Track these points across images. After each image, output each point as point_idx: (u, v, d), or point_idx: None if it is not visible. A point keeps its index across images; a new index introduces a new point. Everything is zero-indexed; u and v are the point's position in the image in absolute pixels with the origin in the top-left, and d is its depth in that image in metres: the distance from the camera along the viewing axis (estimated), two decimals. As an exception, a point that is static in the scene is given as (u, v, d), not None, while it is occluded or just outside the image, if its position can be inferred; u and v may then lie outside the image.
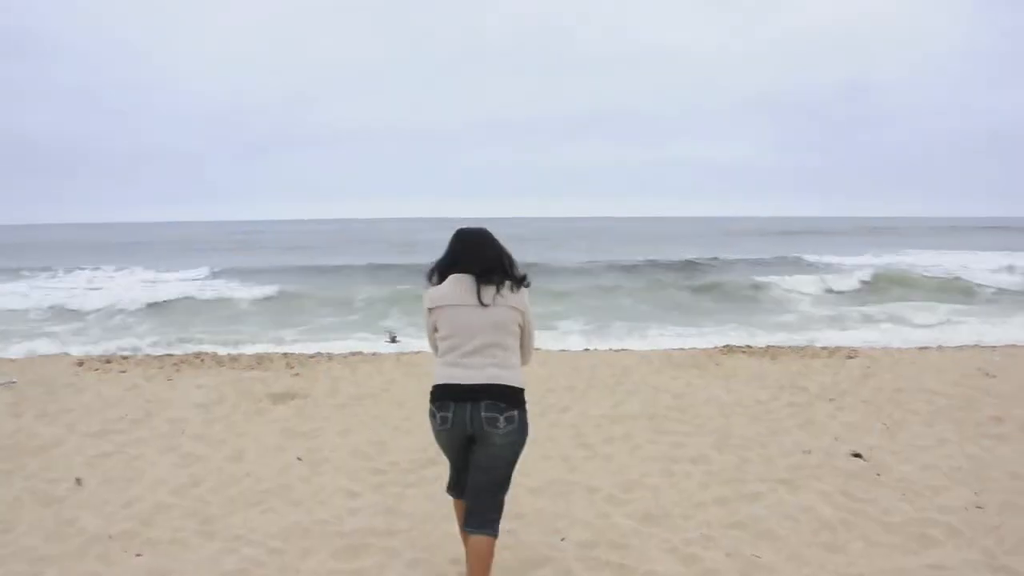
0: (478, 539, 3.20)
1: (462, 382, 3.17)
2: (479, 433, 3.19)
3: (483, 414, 3.14)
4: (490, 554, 3.20)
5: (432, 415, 3.28)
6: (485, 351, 3.18)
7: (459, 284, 3.23)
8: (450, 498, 3.64)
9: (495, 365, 3.19)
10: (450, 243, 3.36)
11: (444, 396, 3.21)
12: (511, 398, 3.19)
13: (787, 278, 21.65)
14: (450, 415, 3.19)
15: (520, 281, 3.31)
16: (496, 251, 3.32)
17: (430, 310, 3.29)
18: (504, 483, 3.29)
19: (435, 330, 3.31)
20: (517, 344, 3.30)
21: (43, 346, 11.92)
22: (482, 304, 3.18)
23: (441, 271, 3.33)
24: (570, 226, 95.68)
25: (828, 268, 26.43)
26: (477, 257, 3.26)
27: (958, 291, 19.96)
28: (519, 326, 3.28)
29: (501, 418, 3.15)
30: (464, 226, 3.43)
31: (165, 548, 3.93)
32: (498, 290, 3.21)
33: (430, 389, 3.29)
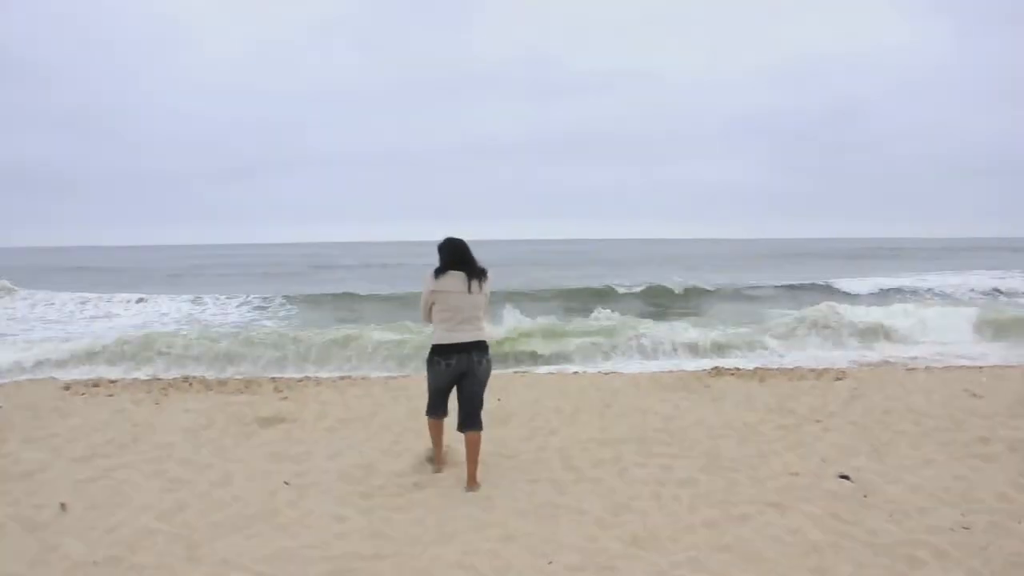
0: (474, 434, 5.17)
1: (460, 341, 5.08)
2: (468, 371, 5.12)
3: (474, 359, 5.11)
4: (480, 441, 5.21)
5: (437, 362, 5.14)
6: (470, 320, 5.10)
7: (456, 278, 5.07)
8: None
9: (476, 329, 5.14)
10: (446, 248, 5.15)
11: (450, 350, 5.09)
12: (486, 348, 5.21)
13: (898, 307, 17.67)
14: (453, 361, 5.09)
15: (485, 273, 5.17)
16: (472, 256, 5.16)
17: (432, 291, 5.09)
18: (482, 396, 5.21)
19: (432, 304, 5.12)
20: (483, 313, 5.21)
21: (29, 370, 11.84)
22: (469, 292, 5.05)
23: (443, 268, 5.09)
24: (569, 248, 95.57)
25: (933, 298, 23.32)
26: (466, 261, 5.12)
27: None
28: (486, 302, 5.22)
29: (484, 360, 5.17)
30: (450, 235, 5.20)
31: (151, 574, 3.90)
32: (479, 282, 5.10)
33: (432, 346, 5.15)
